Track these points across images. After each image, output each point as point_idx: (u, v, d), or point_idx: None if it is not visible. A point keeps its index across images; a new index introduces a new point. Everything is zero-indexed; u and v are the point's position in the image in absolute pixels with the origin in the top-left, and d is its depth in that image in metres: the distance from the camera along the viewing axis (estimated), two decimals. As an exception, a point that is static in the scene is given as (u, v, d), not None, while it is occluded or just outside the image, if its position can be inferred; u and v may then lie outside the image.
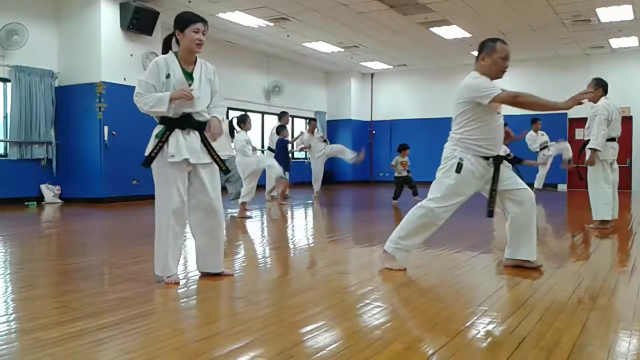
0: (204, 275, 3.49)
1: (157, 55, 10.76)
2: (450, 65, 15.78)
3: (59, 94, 9.67)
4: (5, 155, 9.17)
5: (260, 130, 14.49)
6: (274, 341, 2.31)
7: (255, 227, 6.65)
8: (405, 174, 9.66)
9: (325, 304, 2.95)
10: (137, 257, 4.37)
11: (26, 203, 9.00)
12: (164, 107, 3.17)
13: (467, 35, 12.14)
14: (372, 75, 17.38)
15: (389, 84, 17.14)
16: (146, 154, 3.29)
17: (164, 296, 3.16)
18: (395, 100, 16.97)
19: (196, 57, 3.38)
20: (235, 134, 7.37)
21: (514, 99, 3.57)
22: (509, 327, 2.47)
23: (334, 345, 2.23)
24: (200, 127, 3.33)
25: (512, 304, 2.87)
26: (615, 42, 12.86)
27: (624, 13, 10.33)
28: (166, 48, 3.40)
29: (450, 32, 11.91)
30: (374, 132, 17.17)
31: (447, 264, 4.20)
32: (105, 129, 9.39)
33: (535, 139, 11.88)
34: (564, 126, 14.55)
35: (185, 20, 3.28)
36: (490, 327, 2.47)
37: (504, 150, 3.93)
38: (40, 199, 9.36)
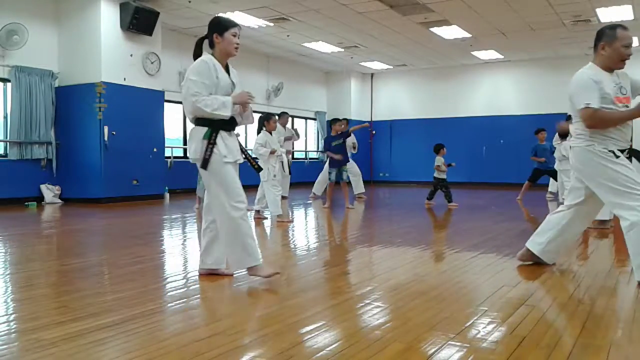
0: (204, 275, 3.49)
1: (157, 55, 10.80)
2: (450, 65, 15.79)
3: (59, 94, 9.67)
4: (5, 155, 9.18)
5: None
6: (274, 341, 2.31)
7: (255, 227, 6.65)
8: (445, 175, 9.23)
9: (325, 304, 2.95)
10: (137, 257, 4.37)
11: (26, 203, 9.00)
12: (227, 111, 3.20)
13: (467, 35, 12.14)
14: (372, 75, 17.38)
15: (389, 84, 17.15)
16: (196, 156, 3.26)
17: (164, 296, 3.16)
18: (395, 100, 16.97)
19: None
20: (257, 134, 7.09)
21: (592, 123, 3.37)
22: (509, 327, 2.47)
23: (334, 345, 2.23)
24: (235, 128, 3.42)
25: (512, 304, 2.86)
26: (615, 42, 12.84)
27: (624, 13, 10.33)
28: (199, 52, 3.38)
29: (450, 32, 11.91)
30: (374, 132, 17.18)
31: (447, 264, 4.20)
32: (105, 129, 9.39)
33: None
34: (564, 126, 14.55)
35: (225, 24, 3.30)
36: (490, 327, 2.47)
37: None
38: (40, 199, 9.36)
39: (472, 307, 2.81)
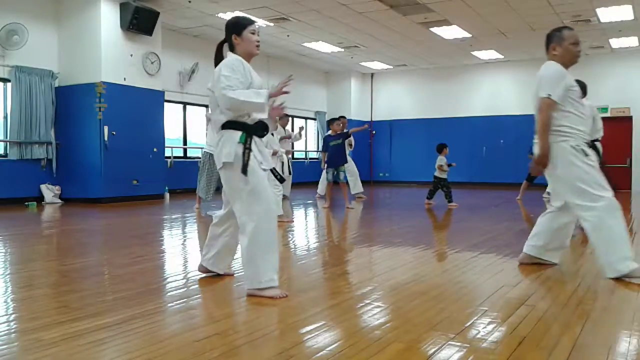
0: (206, 271, 3.48)
1: (157, 55, 10.81)
2: (450, 65, 15.79)
3: (59, 94, 9.68)
4: (5, 155, 9.18)
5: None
6: (274, 341, 2.31)
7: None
8: (446, 175, 9.19)
9: (325, 304, 2.95)
10: (137, 257, 4.37)
11: (26, 203, 9.00)
12: (262, 98, 2.98)
13: (467, 35, 12.14)
14: (372, 75, 17.38)
15: (389, 84, 17.15)
16: (229, 159, 3.01)
17: (164, 296, 3.16)
18: (395, 100, 16.98)
19: None
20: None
21: (540, 112, 3.68)
22: (509, 327, 2.47)
23: (334, 345, 2.23)
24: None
25: (512, 304, 2.86)
26: (615, 42, 12.86)
27: (624, 13, 10.33)
28: (220, 55, 3.20)
29: (450, 32, 11.91)
30: (374, 132, 17.18)
31: (447, 264, 4.20)
32: (105, 129, 9.39)
33: None
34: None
35: (242, 23, 3.16)
36: (490, 327, 2.47)
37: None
38: (40, 199, 9.36)
39: (472, 307, 2.81)
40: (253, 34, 3.14)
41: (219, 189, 8.15)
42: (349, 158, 10.81)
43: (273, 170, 3.22)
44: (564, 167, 3.48)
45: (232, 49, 3.17)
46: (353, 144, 11.21)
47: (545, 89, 3.59)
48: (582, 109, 3.61)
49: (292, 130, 12.46)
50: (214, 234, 3.42)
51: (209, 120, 10.78)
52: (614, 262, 3.38)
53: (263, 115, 3.10)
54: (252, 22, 3.17)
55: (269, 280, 2.97)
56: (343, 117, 9.37)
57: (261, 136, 3.15)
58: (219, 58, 3.18)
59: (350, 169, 10.74)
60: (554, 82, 3.59)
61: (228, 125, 3.08)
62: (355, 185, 10.84)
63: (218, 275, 3.50)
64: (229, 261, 3.53)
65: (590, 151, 3.49)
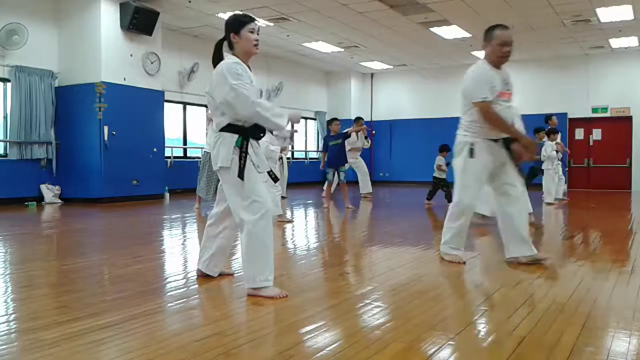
0: (203, 275, 3.48)
1: (157, 55, 10.76)
2: (450, 65, 15.78)
3: (59, 94, 9.67)
4: (5, 155, 9.18)
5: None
6: (274, 341, 2.31)
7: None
8: (445, 175, 9.19)
9: (325, 304, 2.95)
10: (137, 257, 4.37)
11: (26, 203, 9.00)
12: (284, 122, 3.04)
13: (467, 35, 12.14)
14: (372, 75, 17.38)
15: (389, 84, 17.15)
16: (225, 164, 3.01)
17: (164, 296, 3.16)
18: (395, 100, 16.97)
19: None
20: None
21: (485, 116, 3.76)
22: (509, 327, 2.47)
23: (334, 345, 2.23)
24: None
25: (512, 304, 2.86)
26: (615, 42, 12.86)
27: (624, 13, 10.33)
28: (219, 54, 3.16)
29: (450, 32, 11.91)
30: (373, 132, 17.18)
31: (447, 264, 4.20)
32: (105, 129, 9.39)
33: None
34: (565, 126, 14.55)
35: (240, 22, 3.09)
36: (490, 327, 2.47)
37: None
38: (40, 199, 9.36)
39: (472, 307, 2.81)
40: (252, 32, 3.08)
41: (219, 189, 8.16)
42: (359, 157, 10.83)
43: (269, 172, 3.22)
44: (461, 159, 3.89)
45: (231, 48, 3.13)
46: (370, 142, 11.25)
47: (479, 94, 3.76)
48: (501, 107, 3.80)
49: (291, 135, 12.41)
50: (210, 234, 3.41)
51: (210, 120, 10.80)
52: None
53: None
54: (251, 20, 3.10)
55: (264, 280, 2.97)
56: (335, 119, 9.34)
57: (258, 139, 3.14)
58: (217, 57, 3.14)
59: (361, 168, 10.78)
60: (481, 83, 3.79)
61: (226, 128, 3.06)
62: (365, 185, 10.87)
63: (217, 276, 3.49)
64: (223, 263, 3.50)
65: (486, 151, 3.81)
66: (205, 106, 8.47)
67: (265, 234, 3.00)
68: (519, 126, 3.98)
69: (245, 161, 3.00)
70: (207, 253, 3.41)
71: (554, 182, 9.70)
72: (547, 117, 10.76)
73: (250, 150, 3.04)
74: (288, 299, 2.94)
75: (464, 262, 3.97)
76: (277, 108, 3.05)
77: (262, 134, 3.13)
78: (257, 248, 2.99)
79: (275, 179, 3.31)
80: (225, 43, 3.17)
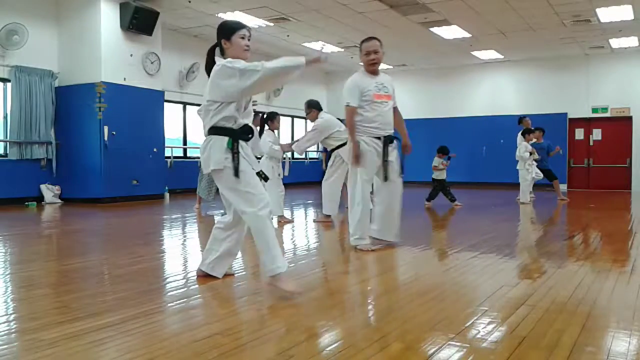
0: (202, 277, 3.47)
1: (157, 55, 10.76)
2: (450, 65, 15.79)
3: (59, 94, 9.68)
4: (5, 155, 9.18)
5: (259, 132, 14.51)
6: (274, 341, 2.31)
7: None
8: (444, 176, 9.22)
9: (325, 304, 2.95)
10: (137, 257, 4.37)
11: (26, 203, 9.00)
12: (299, 69, 3.00)
13: (467, 35, 12.14)
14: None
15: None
16: (218, 166, 3.07)
17: (164, 296, 3.16)
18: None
19: None
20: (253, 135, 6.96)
21: (346, 117, 4.57)
22: (509, 327, 2.47)
23: (334, 345, 2.23)
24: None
25: (512, 304, 2.86)
26: (615, 42, 12.86)
27: (624, 13, 10.33)
28: (211, 60, 3.19)
29: (450, 32, 11.91)
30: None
31: (447, 264, 4.20)
32: (105, 129, 9.39)
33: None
34: (565, 126, 14.56)
35: (230, 28, 3.15)
36: (490, 327, 2.47)
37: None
38: (40, 199, 9.36)
39: (472, 307, 2.81)
40: (243, 38, 3.13)
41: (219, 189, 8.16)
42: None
43: (259, 173, 3.24)
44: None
45: (222, 54, 3.18)
46: None
47: (346, 98, 4.50)
48: (379, 108, 4.51)
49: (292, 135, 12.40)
50: (217, 237, 3.39)
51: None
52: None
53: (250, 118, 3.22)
54: (242, 27, 3.16)
55: (275, 268, 3.02)
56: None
57: (247, 140, 3.18)
58: (210, 62, 3.18)
59: None
60: (350, 91, 4.50)
61: (213, 131, 3.11)
62: None
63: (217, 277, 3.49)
64: (229, 265, 3.51)
65: (369, 147, 4.48)
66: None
67: (266, 225, 3.05)
68: (401, 125, 4.92)
69: (238, 160, 3.06)
70: (213, 255, 3.40)
71: (527, 182, 9.75)
72: (521, 119, 10.89)
73: (240, 150, 3.10)
74: (288, 299, 2.94)
75: (374, 250, 4.48)
76: (286, 57, 3.04)
77: (250, 135, 3.19)
78: (263, 238, 3.03)
79: (266, 179, 3.32)
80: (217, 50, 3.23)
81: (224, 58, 3.14)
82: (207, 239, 3.49)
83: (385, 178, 4.59)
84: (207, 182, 7.93)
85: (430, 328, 2.45)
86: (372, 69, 4.55)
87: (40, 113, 9.37)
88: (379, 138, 4.52)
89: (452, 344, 2.24)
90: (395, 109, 4.80)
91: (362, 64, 4.61)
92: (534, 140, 10.25)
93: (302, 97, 15.85)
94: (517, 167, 9.94)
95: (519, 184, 9.84)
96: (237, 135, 3.11)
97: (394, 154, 4.69)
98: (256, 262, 4.38)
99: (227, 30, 3.15)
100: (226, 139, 3.08)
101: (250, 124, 3.22)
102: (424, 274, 3.75)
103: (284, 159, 7.15)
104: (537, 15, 10.55)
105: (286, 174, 7.83)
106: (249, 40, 3.17)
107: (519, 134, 10.86)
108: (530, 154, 9.81)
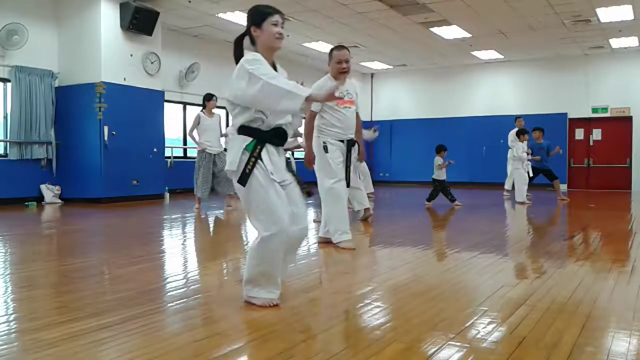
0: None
1: (157, 55, 10.78)
2: (450, 65, 15.79)
3: (59, 94, 9.68)
4: (5, 155, 9.18)
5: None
6: (274, 341, 2.31)
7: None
8: (444, 176, 9.15)
9: (325, 304, 2.95)
10: (137, 257, 4.37)
11: (26, 203, 9.00)
12: (296, 103, 2.60)
13: (467, 35, 12.14)
14: (372, 75, 17.38)
15: (389, 84, 17.14)
16: (233, 168, 2.74)
17: (164, 296, 3.16)
18: (395, 100, 16.97)
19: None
20: None
21: (306, 120, 4.78)
22: (509, 327, 2.47)
23: (334, 345, 2.23)
24: (285, 141, 2.91)
25: (512, 304, 2.86)
26: (615, 42, 12.86)
27: (624, 13, 10.34)
28: (239, 50, 2.88)
29: (450, 32, 11.91)
30: (376, 129, 17.17)
31: (447, 264, 4.20)
32: (105, 129, 9.39)
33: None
34: (565, 126, 14.56)
35: (261, 14, 2.80)
36: (490, 327, 2.47)
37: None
38: (40, 199, 9.36)
39: (472, 307, 2.81)
40: (275, 25, 2.79)
41: (213, 189, 8.16)
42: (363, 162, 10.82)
43: (302, 186, 3.01)
44: (317, 156, 4.73)
45: (253, 43, 2.86)
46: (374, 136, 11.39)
47: None
48: (342, 113, 4.73)
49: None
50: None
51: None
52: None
53: (287, 118, 2.83)
54: (274, 12, 2.81)
55: (263, 300, 2.79)
56: None
57: (277, 145, 2.82)
58: (238, 54, 2.86)
59: (362, 168, 10.76)
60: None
61: (241, 129, 2.79)
62: (366, 185, 10.84)
63: (219, 274, 3.49)
64: (291, 262, 3.16)
65: (335, 147, 4.72)
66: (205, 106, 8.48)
67: (272, 255, 2.75)
68: (360, 129, 5.04)
69: (253, 167, 2.72)
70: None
71: (525, 182, 9.82)
72: (515, 119, 10.98)
73: (264, 156, 2.75)
74: (288, 299, 2.94)
75: (354, 248, 4.63)
76: (287, 88, 2.64)
77: (282, 141, 2.84)
78: (259, 265, 2.77)
79: (309, 194, 3.02)
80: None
81: (254, 47, 2.84)
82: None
83: (347, 184, 4.84)
84: (202, 180, 7.92)
85: (430, 328, 2.45)
86: (340, 77, 4.73)
87: (40, 113, 9.37)
88: (342, 141, 4.75)
89: (452, 344, 2.24)
90: (357, 115, 4.94)
91: (329, 70, 4.83)
92: (536, 140, 10.29)
93: (302, 97, 15.95)
94: (514, 167, 9.99)
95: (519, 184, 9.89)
96: (265, 138, 2.77)
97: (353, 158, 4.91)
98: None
99: (258, 16, 2.81)
100: (249, 140, 2.76)
101: (287, 126, 2.86)
102: (424, 274, 3.75)
103: (289, 159, 7.16)
104: (537, 15, 10.56)
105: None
106: (282, 27, 2.84)
107: (511, 133, 11.02)
108: (527, 154, 9.85)
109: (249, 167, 2.72)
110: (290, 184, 2.88)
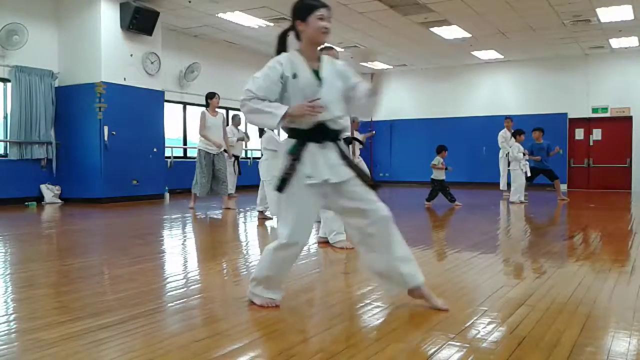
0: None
1: (157, 55, 10.87)
2: (450, 65, 15.79)
3: (59, 94, 9.68)
4: (5, 155, 9.18)
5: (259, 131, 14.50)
6: (274, 341, 2.31)
7: (253, 229, 6.65)
8: (443, 176, 9.16)
9: (325, 304, 2.95)
10: (137, 257, 4.37)
11: (26, 203, 9.00)
12: (274, 121, 2.58)
13: (467, 35, 12.14)
14: (371, 75, 17.30)
15: (389, 84, 17.13)
16: (276, 174, 2.68)
17: (164, 296, 3.16)
18: (396, 100, 16.96)
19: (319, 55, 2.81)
20: (265, 131, 6.81)
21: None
22: (509, 327, 2.47)
23: (333, 346, 2.23)
24: (336, 137, 2.74)
25: (512, 304, 2.86)
26: (615, 42, 12.86)
27: (624, 13, 10.33)
28: (282, 46, 2.81)
29: (450, 32, 11.91)
30: (374, 132, 17.16)
31: (447, 264, 4.20)
32: (105, 129, 9.39)
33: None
34: (565, 126, 14.55)
35: (307, 7, 2.71)
36: (490, 327, 2.47)
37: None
38: (40, 199, 9.36)
39: (472, 307, 2.81)
40: (321, 19, 2.69)
41: (212, 189, 8.15)
42: (360, 158, 10.85)
43: (366, 181, 2.80)
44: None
45: (298, 38, 2.78)
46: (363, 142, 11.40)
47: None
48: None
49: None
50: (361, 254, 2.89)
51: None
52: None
53: (329, 114, 2.67)
54: (320, 6, 2.70)
55: (265, 299, 2.77)
56: None
57: (320, 141, 2.67)
58: (279, 50, 2.81)
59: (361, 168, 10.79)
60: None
61: (287, 132, 2.72)
62: None
63: (219, 274, 3.49)
64: (387, 260, 2.79)
65: None
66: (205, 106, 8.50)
67: (281, 263, 2.71)
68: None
69: (291, 171, 2.62)
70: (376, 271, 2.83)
71: (522, 182, 9.85)
72: (504, 119, 11.05)
73: (306, 157, 2.63)
74: (288, 299, 2.94)
75: (353, 247, 4.40)
76: (269, 109, 2.60)
77: (325, 138, 2.68)
78: (267, 269, 2.73)
79: (374, 186, 2.83)
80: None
81: (299, 42, 2.76)
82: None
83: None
84: (203, 178, 7.90)
85: (430, 328, 2.45)
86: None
87: (40, 113, 9.37)
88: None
89: (452, 344, 2.24)
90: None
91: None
92: (536, 140, 10.30)
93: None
94: (511, 168, 10.03)
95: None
96: (306, 137, 2.65)
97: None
98: (256, 262, 4.38)
99: (303, 9, 2.73)
100: (292, 142, 2.67)
101: (331, 122, 2.69)
102: (423, 274, 3.73)
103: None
104: (537, 15, 10.55)
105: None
106: (328, 21, 2.72)
107: (500, 134, 11.14)
108: (524, 154, 9.86)
109: (288, 172, 2.62)
110: (349, 180, 2.71)
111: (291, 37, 2.84)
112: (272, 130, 6.88)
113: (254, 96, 2.62)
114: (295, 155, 2.63)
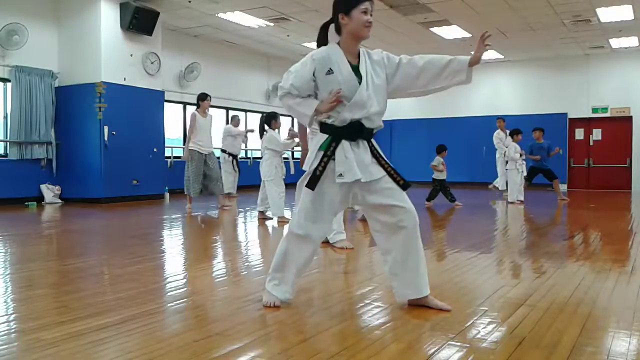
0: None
1: (157, 55, 10.90)
2: (450, 65, 15.77)
3: (59, 94, 9.68)
4: (5, 155, 9.18)
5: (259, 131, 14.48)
6: (274, 341, 2.31)
7: (253, 229, 6.65)
8: (444, 176, 9.17)
9: (325, 304, 2.95)
10: (137, 257, 4.37)
11: (26, 203, 9.00)
12: (305, 120, 2.67)
13: (467, 35, 12.15)
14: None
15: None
16: (305, 168, 2.70)
17: (164, 296, 3.16)
18: (395, 100, 16.88)
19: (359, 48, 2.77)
20: (265, 133, 6.91)
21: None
22: (509, 327, 2.47)
23: (333, 346, 2.23)
24: (370, 135, 2.71)
25: (512, 304, 2.86)
26: (615, 42, 12.86)
27: (624, 13, 10.34)
28: (323, 39, 2.75)
29: (450, 32, 11.91)
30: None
31: (447, 264, 4.20)
32: (105, 129, 9.39)
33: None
34: (565, 126, 14.55)
35: (351, 0, 2.64)
36: (490, 327, 2.47)
37: None
38: (40, 199, 9.36)
39: (472, 307, 2.81)
40: (365, 13, 2.64)
41: (205, 189, 8.13)
42: None
43: (390, 172, 2.75)
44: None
45: (338, 31, 2.72)
46: None
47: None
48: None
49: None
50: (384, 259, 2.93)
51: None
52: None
53: (364, 112, 2.63)
54: (365, 0, 2.65)
55: (267, 283, 2.85)
56: None
57: (354, 139, 2.65)
58: (321, 42, 2.75)
59: None
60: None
61: (321, 127, 2.72)
62: None
63: (219, 274, 3.49)
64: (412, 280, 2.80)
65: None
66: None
67: (286, 250, 2.77)
68: None
69: (324, 169, 2.62)
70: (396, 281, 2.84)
71: (518, 182, 9.87)
72: (496, 119, 11.10)
73: (339, 155, 2.61)
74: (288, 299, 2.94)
75: (352, 247, 4.70)
76: (305, 102, 2.66)
77: (359, 136, 2.66)
78: (277, 255, 2.82)
79: (405, 186, 2.82)
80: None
81: (340, 36, 2.72)
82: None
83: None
84: (193, 178, 7.88)
85: (430, 328, 2.45)
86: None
87: (40, 113, 9.37)
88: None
89: (452, 344, 2.24)
90: None
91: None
92: (536, 140, 10.31)
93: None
94: (508, 167, 10.08)
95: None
96: (339, 134, 2.63)
97: None
98: (256, 262, 4.38)
99: (347, 2, 2.65)
100: (324, 137, 2.67)
101: (366, 120, 2.66)
102: (424, 274, 3.74)
103: (286, 158, 7.16)
104: (537, 15, 10.56)
105: (292, 172, 7.88)
106: (371, 15, 2.68)
107: (495, 135, 11.19)
108: (520, 155, 9.89)
109: (320, 169, 2.62)
110: (380, 179, 2.70)
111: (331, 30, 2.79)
112: (272, 130, 6.93)
113: (287, 92, 2.67)
114: (326, 152, 2.63)
